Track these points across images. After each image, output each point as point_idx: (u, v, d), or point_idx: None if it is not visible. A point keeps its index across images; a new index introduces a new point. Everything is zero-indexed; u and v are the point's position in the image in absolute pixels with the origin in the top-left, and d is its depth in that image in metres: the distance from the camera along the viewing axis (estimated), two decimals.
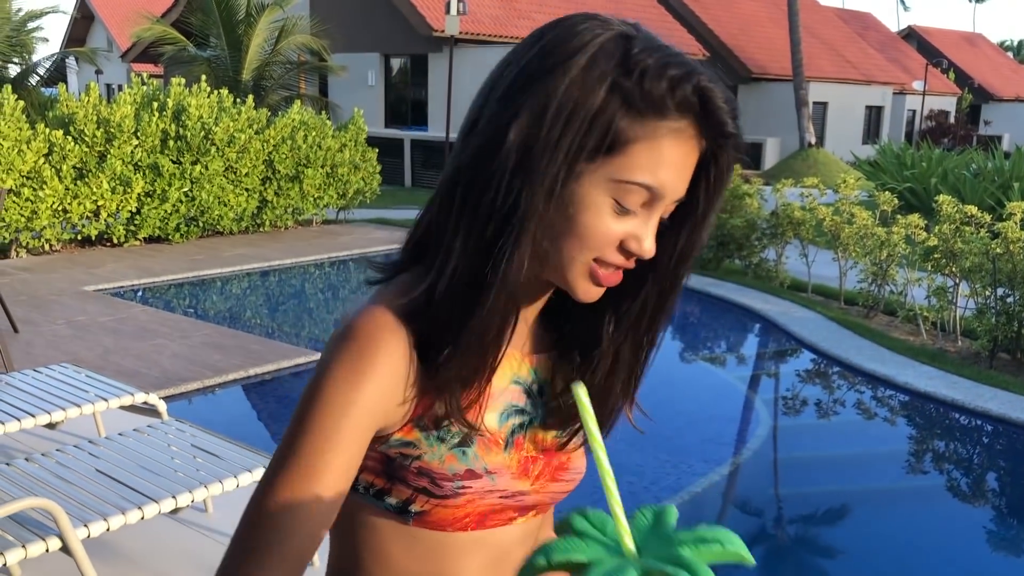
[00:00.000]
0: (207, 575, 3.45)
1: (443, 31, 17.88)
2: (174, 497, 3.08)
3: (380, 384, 0.90)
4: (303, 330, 7.74)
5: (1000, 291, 6.78)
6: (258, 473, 3.32)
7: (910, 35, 41.93)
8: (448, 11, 14.06)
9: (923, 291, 7.73)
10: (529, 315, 1.01)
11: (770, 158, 24.96)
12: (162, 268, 9.27)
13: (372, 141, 13.59)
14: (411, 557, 0.98)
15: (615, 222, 0.88)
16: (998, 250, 6.66)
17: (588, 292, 0.92)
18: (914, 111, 33.77)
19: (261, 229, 11.78)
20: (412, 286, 0.93)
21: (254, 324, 7.81)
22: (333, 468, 0.89)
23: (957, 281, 7.28)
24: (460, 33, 14.41)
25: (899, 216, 8.20)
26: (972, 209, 7.22)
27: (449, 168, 0.93)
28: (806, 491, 4.98)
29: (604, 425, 1.03)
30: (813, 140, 23.46)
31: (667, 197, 0.88)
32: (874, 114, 30.86)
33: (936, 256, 7.25)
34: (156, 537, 3.70)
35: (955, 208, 7.24)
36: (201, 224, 10.88)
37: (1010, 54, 59.69)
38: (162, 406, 4.14)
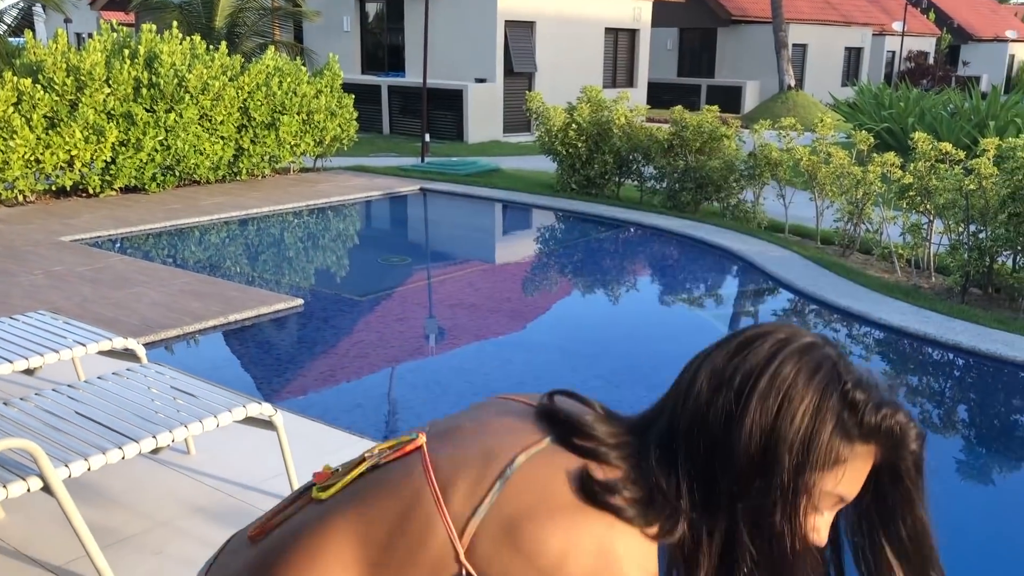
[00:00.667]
0: (190, 513, 3.50)
1: None
2: (154, 437, 3.11)
3: None
4: (283, 277, 7.73)
5: (972, 227, 6.85)
6: (238, 412, 3.35)
7: None
8: None
9: (898, 229, 7.80)
10: None
11: (749, 101, 24.89)
12: (139, 218, 9.20)
13: (349, 88, 13.43)
14: None
15: (822, 519, 1.08)
16: (971, 186, 6.72)
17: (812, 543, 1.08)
18: (893, 52, 33.64)
19: (238, 178, 11.68)
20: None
21: (233, 272, 7.80)
22: None
23: (931, 218, 7.35)
24: None
25: (875, 155, 8.24)
26: (947, 146, 7.26)
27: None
28: None
29: None
30: (792, 82, 23.38)
31: (846, 501, 1.07)
32: (853, 56, 30.73)
33: (911, 194, 7.31)
34: (138, 478, 3.74)
35: (930, 145, 7.28)
36: (177, 173, 10.77)
37: None
38: (141, 351, 4.15)
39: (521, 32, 18.56)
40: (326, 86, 12.34)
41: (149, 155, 10.29)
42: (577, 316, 7.11)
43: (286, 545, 1.13)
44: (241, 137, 11.31)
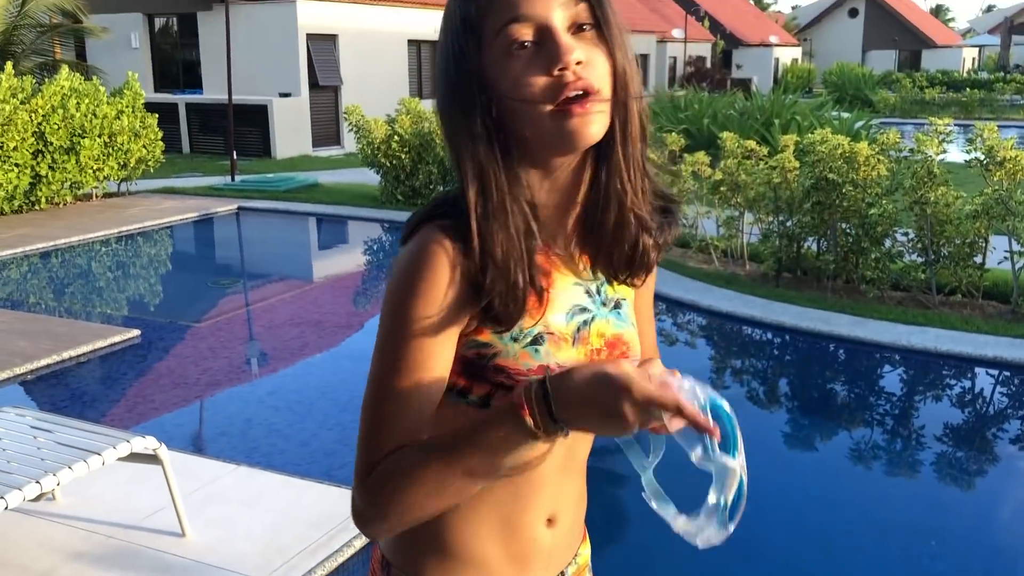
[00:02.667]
0: (70, 560, 3.30)
1: None
2: (38, 482, 2.93)
3: (441, 287, 1.00)
4: (112, 309, 7.31)
5: (781, 217, 7.50)
6: (123, 448, 3.21)
7: None
8: None
9: (712, 222, 8.39)
10: (567, 218, 1.08)
11: None
12: None
13: (144, 107, 12.79)
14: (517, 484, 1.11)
15: (528, 64, 0.97)
16: (777, 179, 7.35)
17: (577, 132, 0.97)
18: (675, 58, 35.84)
19: (37, 207, 10.87)
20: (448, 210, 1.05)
21: (55, 307, 7.29)
22: (427, 364, 1.01)
23: (742, 211, 7.97)
24: None
25: (685, 155, 8.81)
26: (752, 144, 7.90)
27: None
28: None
29: (636, 262, 1.10)
30: None
31: (539, 16, 0.96)
32: (640, 62, 32.41)
33: (723, 189, 7.89)
34: (2, 531, 3.48)
35: (736, 144, 7.89)
36: None
37: (751, 2, 64.25)
38: None
39: (324, 45, 18.36)
40: (127, 106, 11.73)
41: None
42: None
43: None
44: (38, 164, 10.54)
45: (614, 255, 1.09)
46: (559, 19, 0.96)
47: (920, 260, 6.85)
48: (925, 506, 4.19)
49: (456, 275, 1.00)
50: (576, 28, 0.98)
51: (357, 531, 3.49)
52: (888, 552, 3.67)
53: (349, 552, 3.40)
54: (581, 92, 0.96)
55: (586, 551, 1.32)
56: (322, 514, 3.64)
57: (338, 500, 3.77)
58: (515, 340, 1.04)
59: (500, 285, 1.00)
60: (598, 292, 1.13)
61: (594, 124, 0.97)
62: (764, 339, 6.64)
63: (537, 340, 1.05)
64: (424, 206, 1.09)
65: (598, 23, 0.99)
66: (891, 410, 5.51)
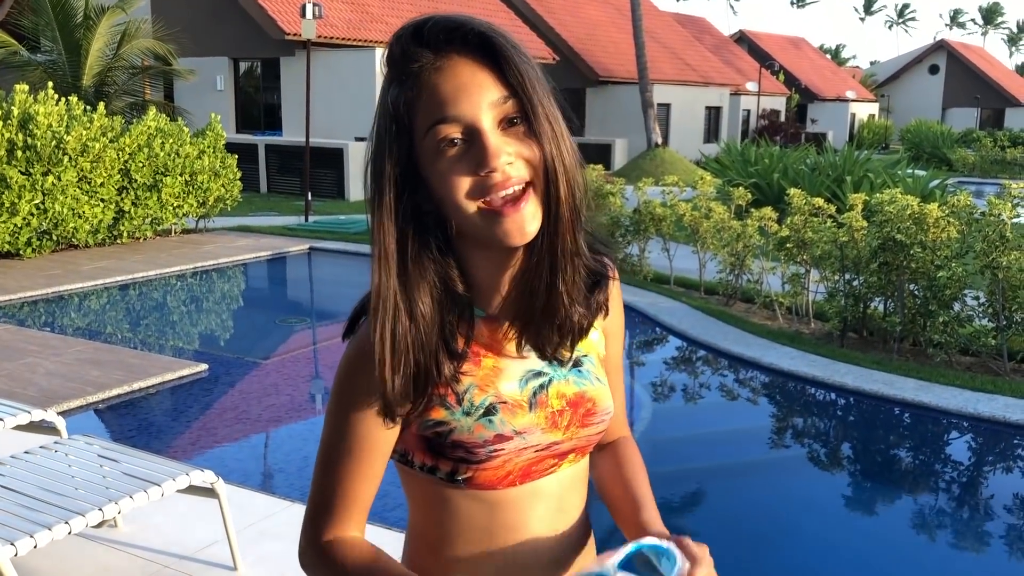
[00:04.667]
0: None
1: (295, 34, 17.65)
2: (100, 510, 3.04)
3: (361, 395, 1.08)
4: (182, 342, 7.55)
5: (847, 276, 7.40)
6: (181, 480, 3.31)
7: (741, 39, 44.27)
8: (304, 15, 13.89)
9: (777, 278, 8.32)
10: (503, 286, 1.10)
11: (619, 158, 25.87)
12: (16, 285, 8.79)
13: (225, 147, 13.26)
14: (478, 514, 1.13)
15: (456, 162, 0.98)
16: (844, 238, 7.27)
17: (508, 233, 1.00)
18: (748, 111, 35.74)
19: (119, 240, 11.32)
20: None
21: (129, 338, 7.56)
22: (356, 450, 1.10)
23: (808, 268, 7.88)
24: (315, 37, 14.27)
25: (752, 210, 8.78)
26: (819, 201, 7.83)
27: None
28: (697, 465, 5.32)
29: (562, 339, 1.12)
30: (659, 140, 24.48)
31: (466, 118, 0.97)
32: (713, 114, 32.45)
33: (789, 246, 7.82)
34: (65, 555, 3.61)
35: (804, 200, 7.83)
36: (55, 237, 10.36)
37: (828, 56, 63.86)
38: (61, 423, 4.03)
39: None
40: (209, 146, 12.17)
41: (24, 219, 9.87)
42: None
43: None
44: (122, 199, 11.00)
45: (542, 332, 1.10)
46: (487, 119, 0.98)
47: (991, 325, 6.67)
48: None
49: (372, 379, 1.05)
50: (507, 123, 1.00)
51: None
52: None
53: None
54: (510, 192, 0.99)
55: None
56: None
57: (388, 542, 3.79)
58: (467, 414, 1.08)
59: (396, 379, 1.03)
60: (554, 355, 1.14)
61: (528, 224, 1.00)
62: (826, 400, 6.53)
63: (490, 411, 1.08)
64: (363, 296, 1.13)
65: (527, 117, 1.00)
66: (957, 479, 5.36)
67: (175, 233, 12.29)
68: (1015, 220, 6.63)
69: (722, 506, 4.75)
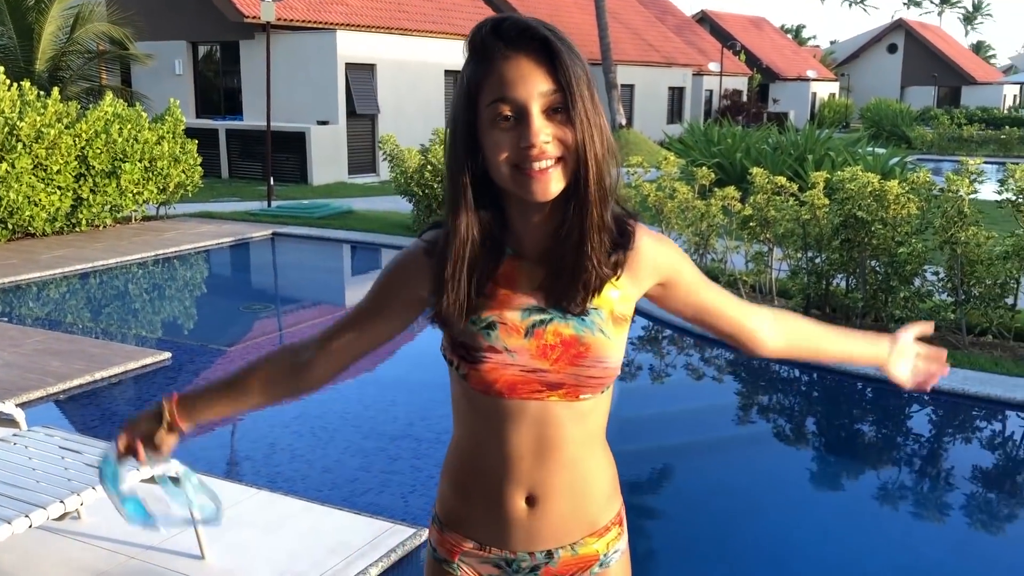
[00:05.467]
0: None
1: (254, 17, 17.40)
2: (62, 502, 3.00)
3: (396, 282, 1.46)
4: (144, 331, 7.44)
5: (809, 253, 7.47)
6: (146, 470, 3.26)
7: (703, 19, 44.36)
8: None
9: (741, 257, 8.38)
10: (538, 239, 1.36)
11: None
12: None
13: (185, 132, 13.07)
14: (476, 417, 1.43)
15: (505, 134, 1.24)
16: (806, 216, 7.34)
17: (532, 190, 1.26)
18: (711, 91, 35.88)
19: (77, 229, 11.13)
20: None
21: (89, 328, 7.44)
22: (364, 323, 1.48)
23: (771, 246, 7.95)
24: (274, 20, 14.07)
25: (715, 189, 8.82)
26: (782, 180, 7.89)
27: None
28: (662, 444, 5.35)
29: (580, 294, 1.35)
30: (624, 121, 24.52)
31: (519, 100, 1.23)
32: (676, 95, 32.54)
33: (752, 225, 7.88)
34: (28, 550, 3.55)
35: (767, 179, 7.89)
36: (10, 226, 10.16)
37: (789, 36, 64.23)
38: (20, 415, 3.95)
39: (362, 75, 18.65)
40: (168, 132, 11.99)
41: None
42: None
43: None
44: (79, 186, 10.80)
45: (568, 290, 1.33)
46: (536, 105, 1.24)
47: (950, 300, 6.78)
48: (946, 548, 4.13)
49: (417, 277, 1.40)
50: (551, 111, 1.24)
51: (375, 558, 3.53)
52: None
53: None
54: (543, 164, 1.24)
55: (597, 545, 1.48)
56: (341, 541, 3.68)
57: (358, 527, 3.80)
58: (473, 324, 1.36)
59: (442, 297, 1.35)
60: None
61: (551, 186, 1.26)
62: (791, 377, 6.60)
63: (490, 326, 1.35)
64: (434, 220, 1.44)
65: (567, 108, 1.24)
66: (918, 451, 5.45)
67: (135, 220, 12.11)
68: (972, 196, 6.73)
69: (685, 483, 4.79)
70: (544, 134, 1.23)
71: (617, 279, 1.36)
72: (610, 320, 1.36)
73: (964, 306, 6.68)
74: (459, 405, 1.45)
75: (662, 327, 7.58)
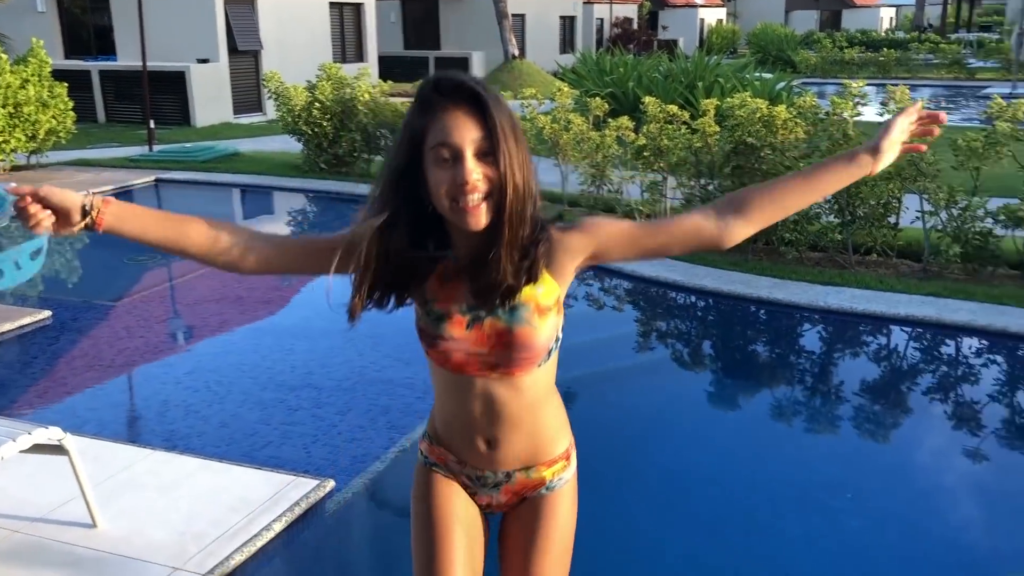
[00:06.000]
0: None
1: None
2: None
3: (350, 248, 1.65)
4: (19, 288, 7.04)
5: (702, 181, 7.56)
6: (23, 440, 3.09)
7: None
8: None
9: (637, 187, 8.43)
10: (467, 252, 1.64)
11: (477, 71, 25.49)
12: None
13: (53, 74, 12.28)
14: (441, 381, 1.79)
15: (444, 172, 1.52)
16: (698, 144, 7.40)
17: (466, 222, 1.54)
18: (602, 19, 35.77)
19: None
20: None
21: None
22: (317, 249, 1.69)
23: (665, 175, 8.01)
24: None
25: (610, 120, 8.81)
26: (673, 108, 7.91)
27: None
28: (564, 375, 5.36)
29: (494, 300, 1.63)
30: (516, 52, 24.23)
31: (456, 145, 1.50)
32: (568, 24, 32.32)
33: (646, 154, 7.91)
34: None
35: (659, 108, 7.90)
36: None
37: None
38: None
39: (242, 9, 17.84)
40: (33, 74, 11.24)
41: None
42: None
43: None
44: None
45: (488, 294, 1.62)
46: (469, 149, 1.51)
47: (837, 221, 6.98)
48: (841, 461, 4.29)
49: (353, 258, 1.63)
50: (481, 154, 1.51)
51: (277, 514, 3.44)
52: (806, 507, 3.76)
53: (269, 536, 3.35)
54: (474, 198, 1.51)
55: (546, 472, 1.87)
56: (241, 498, 3.58)
57: (258, 483, 3.71)
58: (427, 314, 1.69)
59: (352, 296, 1.67)
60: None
61: (481, 217, 1.54)
62: (688, 303, 6.72)
63: (440, 318, 1.68)
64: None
65: (494, 151, 1.51)
66: (810, 369, 5.64)
67: (3, 171, 11.39)
68: (857, 118, 6.89)
69: (590, 412, 4.83)
70: (476, 173, 1.50)
71: (536, 281, 1.62)
72: (536, 312, 1.64)
73: (850, 227, 6.89)
74: (431, 369, 1.79)
75: None
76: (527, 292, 1.62)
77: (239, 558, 3.20)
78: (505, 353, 1.65)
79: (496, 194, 1.52)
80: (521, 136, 1.54)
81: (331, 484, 3.74)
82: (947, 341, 5.83)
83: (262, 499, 3.56)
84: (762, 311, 6.39)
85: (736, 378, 5.61)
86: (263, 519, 3.42)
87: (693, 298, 6.66)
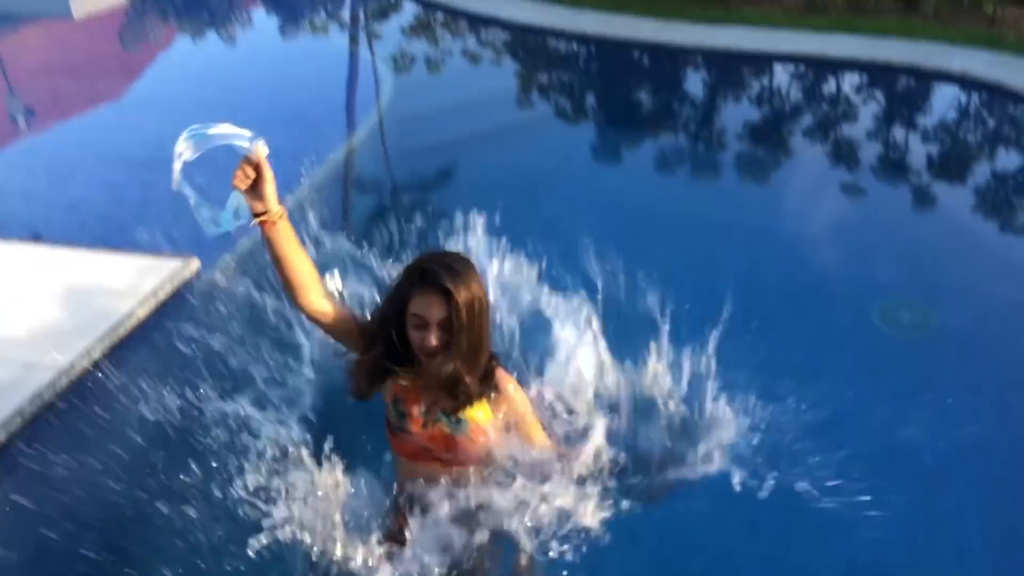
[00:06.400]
0: None
1: None
2: None
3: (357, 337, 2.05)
4: None
5: None
6: None
7: None
8: None
9: None
10: (433, 378, 1.95)
11: None
12: None
13: None
14: (401, 466, 2.14)
15: (419, 332, 1.88)
16: None
17: (434, 368, 1.90)
18: None
19: None
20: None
21: None
22: (349, 323, 2.02)
23: None
24: None
25: None
26: None
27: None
28: (446, 137, 5.05)
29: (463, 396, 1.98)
30: None
31: (426, 318, 1.86)
32: None
33: None
34: None
35: None
36: None
37: None
38: None
39: None
40: None
41: None
42: (207, 59, 6.41)
43: None
44: None
45: (442, 403, 1.96)
46: (435, 320, 1.86)
47: None
48: (724, 202, 4.23)
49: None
50: (445, 324, 1.87)
51: (141, 297, 3.16)
52: (696, 251, 3.70)
53: (131, 324, 3.08)
54: (436, 353, 1.89)
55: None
56: (98, 285, 3.27)
57: (117, 268, 3.38)
58: (394, 409, 2.02)
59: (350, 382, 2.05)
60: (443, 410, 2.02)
61: (441, 367, 1.90)
62: (569, 51, 6.37)
63: (403, 415, 2.01)
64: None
65: (451, 325, 1.87)
66: (695, 115, 5.49)
67: None
68: None
69: (476, 174, 4.58)
70: (436, 338, 1.87)
71: (477, 403, 1.98)
72: (473, 427, 2.00)
73: None
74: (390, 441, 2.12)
75: (433, 10, 7.04)
76: (469, 412, 2.00)
77: (101, 348, 2.94)
78: (448, 453, 2.04)
79: (453, 346, 1.91)
80: (481, 307, 1.91)
81: (196, 263, 3.45)
82: (830, 77, 5.74)
83: (122, 285, 3.25)
84: (646, 56, 6.12)
85: (618, 127, 5.40)
86: (124, 305, 3.13)
87: (575, 45, 6.32)
